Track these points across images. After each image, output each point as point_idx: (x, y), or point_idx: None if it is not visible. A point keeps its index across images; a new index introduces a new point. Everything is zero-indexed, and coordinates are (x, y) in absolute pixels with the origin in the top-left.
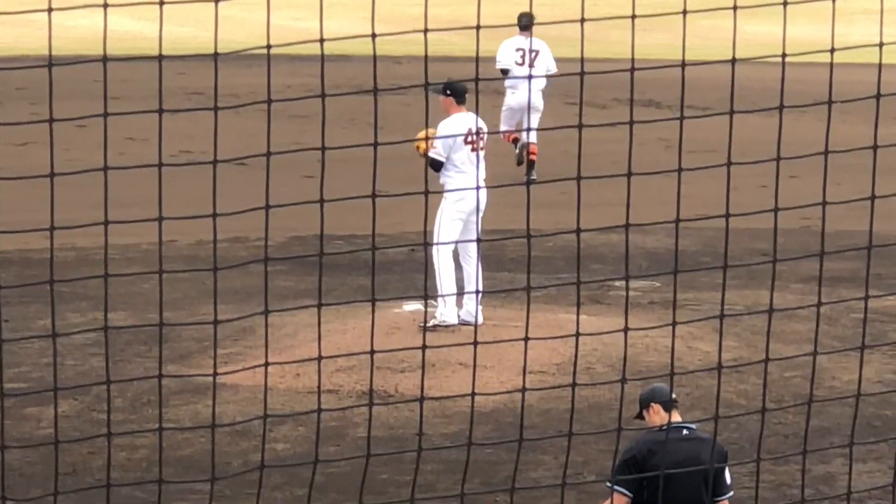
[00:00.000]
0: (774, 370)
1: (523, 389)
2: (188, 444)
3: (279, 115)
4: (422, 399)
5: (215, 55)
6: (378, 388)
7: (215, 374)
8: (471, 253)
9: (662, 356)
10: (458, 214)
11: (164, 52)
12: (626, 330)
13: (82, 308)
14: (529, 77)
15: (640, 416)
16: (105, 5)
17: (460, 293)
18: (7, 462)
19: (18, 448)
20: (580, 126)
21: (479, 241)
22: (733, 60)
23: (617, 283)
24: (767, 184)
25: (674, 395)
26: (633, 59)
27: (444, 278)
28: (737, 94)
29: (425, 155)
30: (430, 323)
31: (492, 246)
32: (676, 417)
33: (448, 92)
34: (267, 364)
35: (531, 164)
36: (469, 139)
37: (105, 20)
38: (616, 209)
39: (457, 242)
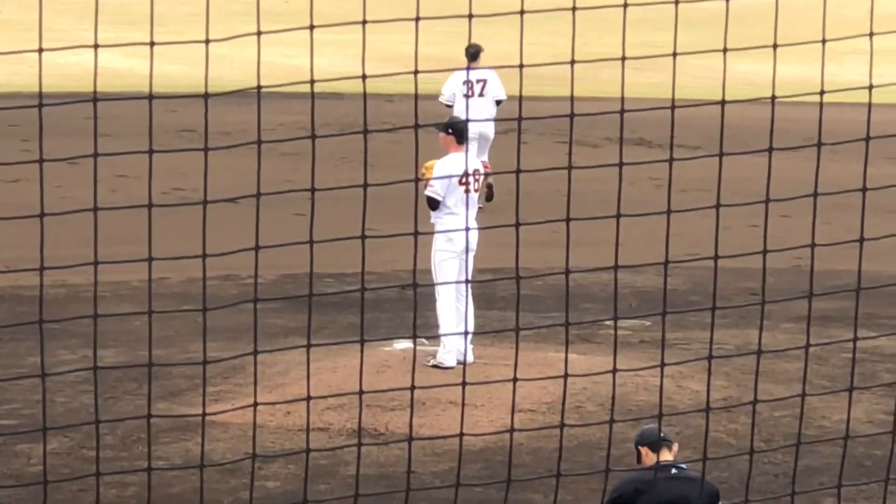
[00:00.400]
0: (764, 409)
1: (511, 430)
2: (178, 481)
3: (270, 153)
4: (410, 439)
5: (206, 95)
6: (368, 427)
7: (204, 415)
8: (462, 292)
9: (652, 395)
10: (449, 255)
11: (156, 90)
12: (614, 371)
13: (72, 345)
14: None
15: (639, 461)
16: (95, 46)
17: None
18: None
19: (9, 487)
20: (570, 167)
21: (467, 281)
22: (723, 102)
23: (607, 322)
24: (758, 223)
25: (662, 434)
26: (622, 100)
27: (445, 320)
28: (727, 134)
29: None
30: (430, 363)
31: (482, 285)
32: (667, 456)
33: (450, 131)
34: (256, 405)
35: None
36: (464, 180)
37: (95, 60)
38: (606, 248)
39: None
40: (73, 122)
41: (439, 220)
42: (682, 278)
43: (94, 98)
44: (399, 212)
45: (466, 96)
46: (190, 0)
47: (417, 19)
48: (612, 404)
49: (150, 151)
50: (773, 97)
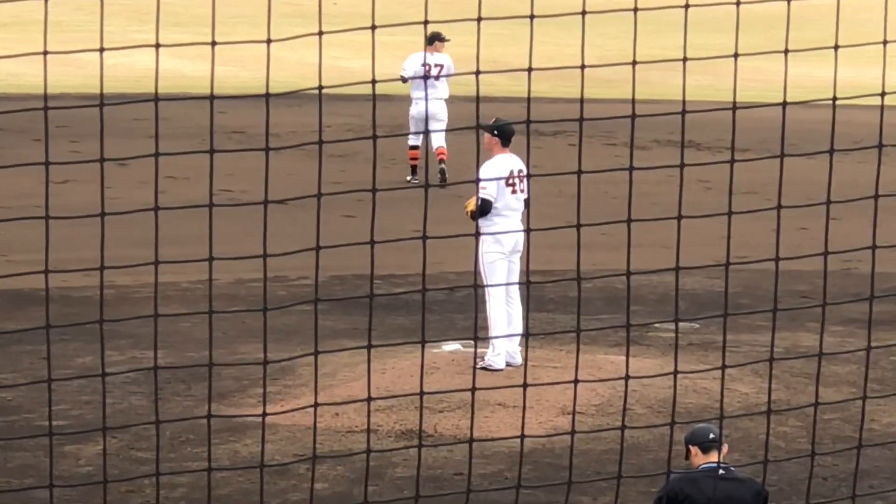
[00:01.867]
0: (812, 412)
1: (572, 432)
2: (226, 483)
3: (317, 155)
4: (471, 440)
5: (267, 96)
6: (416, 429)
7: (265, 415)
8: (513, 294)
9: (702, 398)
10: (498, 256)
11: (205, 92)
12: (675, 373)
13: (121, 346)
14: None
15: (687, 458)
16: (157, 45)
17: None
18: (45, 500)
19: (61, 486)
20: (630, 168)
21: (527, 283)
22: (784, 103)
23: (656, 325)
24: (807, 225)
25: (712, 436)
26: (683, 102)
27: (495, 322)
28: (777, 136)
29: (473, 212)
30: (479, 365)
31: (531, 286)
32: (716, 457)
33: (496, 132)
34: (316, 405)
35: (441, 162)
36: (510, 181)
37: (157, 61)
38: (656, 250)
39: (507, 284)
40: (120, 123)
41: (486, 221)
42: (730, 281)
43: (156, 98)
44: (449, 214)
45: (424, 77)
46: (236, 2)
47: (479, 19)
48: (673, 408)
49: (211, 151)
50: (834, 97)
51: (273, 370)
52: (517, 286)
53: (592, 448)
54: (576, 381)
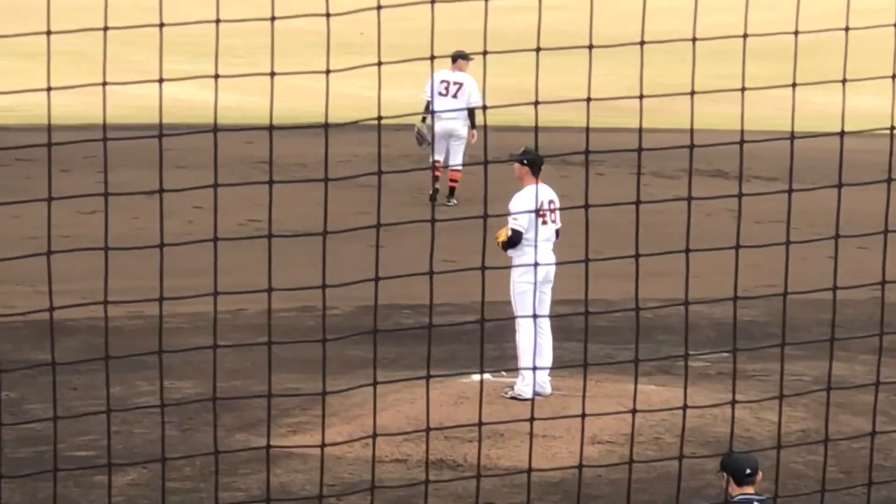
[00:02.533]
0: (843, 441)
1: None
2: None
3: (346, 184)
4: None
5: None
6: (447, 458)
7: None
8: (541, 325)
9: (730, 426)
10: (527, 286)
11: (233, 122)
12: (684, 407)
13: (150, 377)
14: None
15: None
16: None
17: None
18: None
19: None
20: (637, 202)
21: (548, 315)
22: (792, 136)
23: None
24: (835, 255)
25: (748, 471)
26: (692, 132)
27: (524, 352)
28: (806, 166)
29: (504, 242)
30: (508, 394)
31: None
32: (750, 490)
33: (525, 161)
34: (323, 444)
35: (451, 190)
36: (542, 212)
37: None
38: (682, 279)
39: (535, 316)
40: (147, 153)
41: (517, 252)
42: (760, 310)
43: (160, 133)
44: (478, 243)
45: (443, 95)
46: (263, 31)
47: (485, 52)
48: (683, 439)
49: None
50: (843, 132)
51: (303, 401)
52: (547, 317)
53: (622, 477)
54: (583, 415)
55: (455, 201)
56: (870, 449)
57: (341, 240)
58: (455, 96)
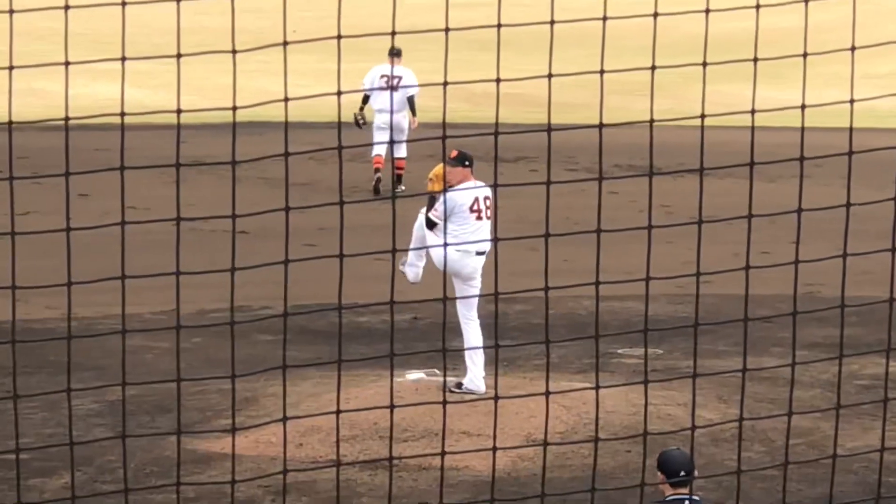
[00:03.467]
0: (778, 438)
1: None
2: None
3: (280, 183)
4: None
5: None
6: (381, 458)
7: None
8: (471, 316)
9: (665, 423)
10: (454, 270)
11: (164, 121)
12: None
13: (85, 378)
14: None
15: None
16: (67, 68)
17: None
18: None
19: None
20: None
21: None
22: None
23: (619, 351)
24: (770, 250)
25: (682, 473)
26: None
27: (472, 345)
28: (737, 159)
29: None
30: (463, 387)
31: (490, 314)
32: (683, 490)
33: (467, 163)
34: (234, 429)
35: (398, 178)
36: (475, 207)
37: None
38: (620, 276)
39: (463, 313)
40: (83, 153)
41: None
42: (692, 306)
43: (67, 128)
44: (404, 241)
45: (385, 88)
46: (196, 31)
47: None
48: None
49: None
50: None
51: (237, 401)
52: (475, 312)
53: (558, 476)
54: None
55: (403, 188)
56: (777, 446)
57: (275, 238)
58: (396, 89)
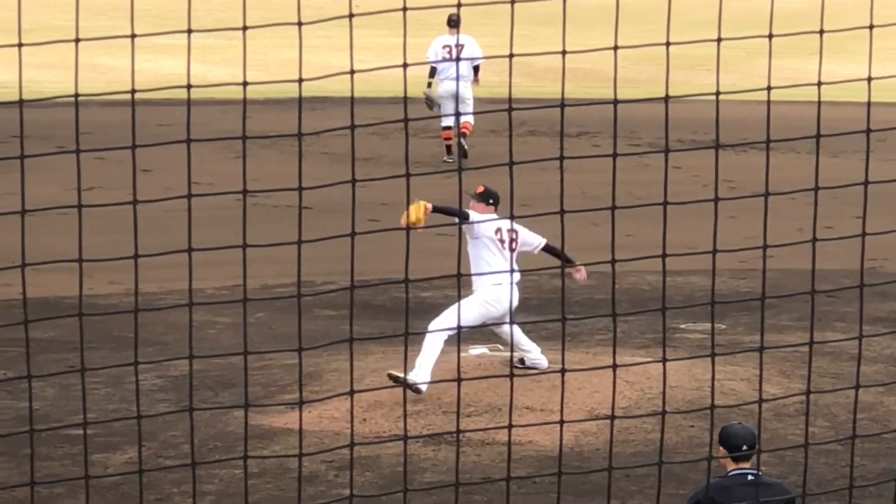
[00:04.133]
0: (841, 413)
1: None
2: (254, 490)
3: (343, 159)
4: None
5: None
6: (445, 432)
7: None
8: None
9: (729, 398)
10: (484, 310)
11: (228, 96)
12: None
13: (148, 354)
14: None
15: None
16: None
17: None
18: None
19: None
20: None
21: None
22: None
23: (682, 326)
24: (834, 224)
25: (745, 448)
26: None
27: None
28: (806, 134)
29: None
30: (526, 363)
31: (555, 289)
32: (746, 464)
33: (491, 201)
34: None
35: (462, 135)
36: (500, 237)
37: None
38: (679, 250)
39: (464, 328)
40: (147, 129)
41: (480, 279)
42: (756, 280)
43: (133, 103)
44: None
45: (447, 59)
46: (259, 6)
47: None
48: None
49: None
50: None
51: (299, 377)
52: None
53: (621, 451)
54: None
55: (466, 145)
56: (840, 421)
57: (339, 213)
58: (460, 57)
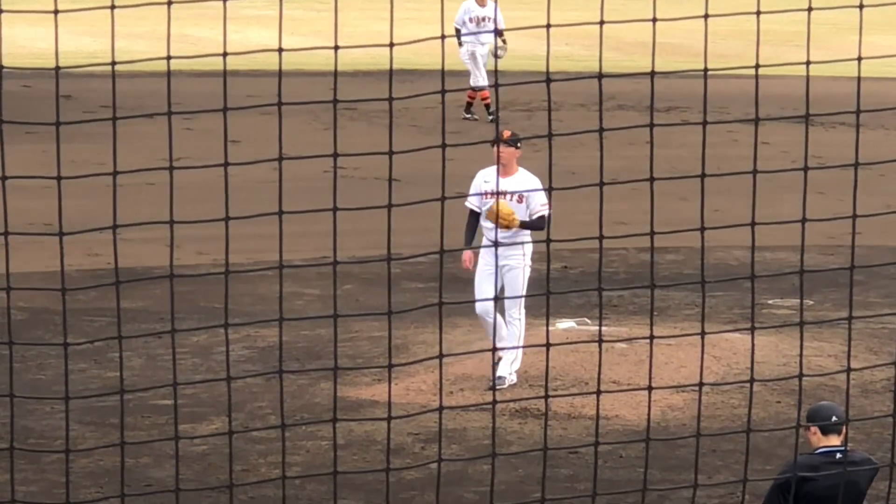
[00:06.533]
0: None
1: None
2: (341, 461)
3: (432, 131)
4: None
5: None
6: (532, 407)
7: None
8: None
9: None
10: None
11: (316, 68)
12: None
13: (235, 324)
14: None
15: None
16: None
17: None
18: (160, 479)
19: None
20: (601, 131)
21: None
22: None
23: (770, 302)
24: None
25: (834, 419)
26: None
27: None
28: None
29: (509, 223)
30: (505, 383)
31: (643, 263)
32: (835, 441)
33: (519, 145)
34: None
35: (487, 107)
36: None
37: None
38: (770, 227)
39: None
40: (235, 100)
41: (527, 237)
42: (844, 256)
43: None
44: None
45: (474, 26)
46: None
47: None
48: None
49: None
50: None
51: (386, 349)
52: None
53: (707, 426)
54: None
55: (490, 111)
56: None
57: (427, 185)
58: (484, 22)
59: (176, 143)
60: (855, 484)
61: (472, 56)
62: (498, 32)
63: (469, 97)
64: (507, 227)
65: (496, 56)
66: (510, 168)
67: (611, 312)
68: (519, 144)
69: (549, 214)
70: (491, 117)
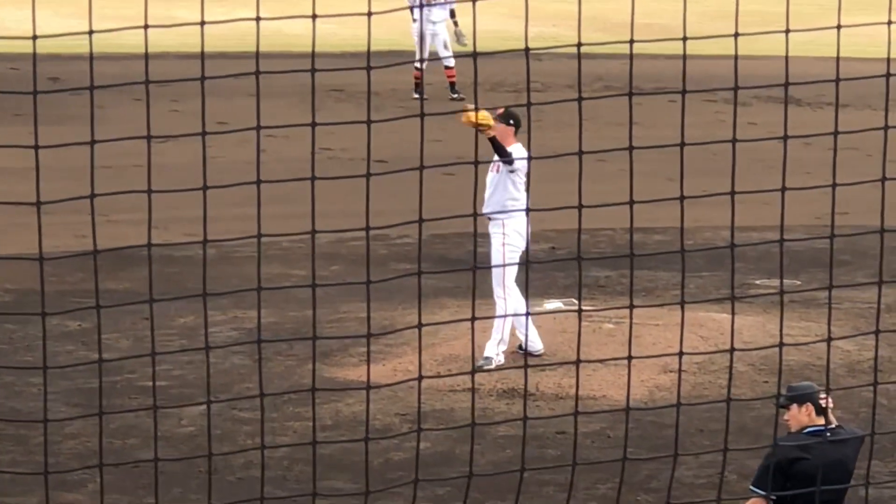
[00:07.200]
0: None
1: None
2: (328, 443)
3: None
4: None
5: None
6: (518, 387)
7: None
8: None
9: (803, 355)
10: (515, 252)
11: (300, 49)
12: (829, 341)
13: (223, 306)
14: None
15: (784, 407)
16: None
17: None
18: (148, 460)
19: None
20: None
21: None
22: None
23: (757, 282)
24: None
25: (822, 396)
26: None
27: (507, 322)
28: (875, 92)
29: (481, 126)
30: (492, 363)
31: (635, 244)
32: (821, 420)
33: (511, 121)
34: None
35: (452, 85)
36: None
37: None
38: (758, 206)
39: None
40: (222, 82)
41: (507, 216)
42: (838, 239)
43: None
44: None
45: (423, 5)
46: None
47: None
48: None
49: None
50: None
51: (374, 329)
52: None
53: (694, 407)
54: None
55: (461, 94)
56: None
57: (412, 167)
58: (435, 3)
59: (162, 124)
60: (845, 461)
61: (421, 34)
62: (451, 13)
63: (415, 77)
64: (483, 131)
65: (459, 42)
66: (505, 144)
67: (598, 293)
68: (511, 121)
69: (518, 170)
70: (454, 95)
